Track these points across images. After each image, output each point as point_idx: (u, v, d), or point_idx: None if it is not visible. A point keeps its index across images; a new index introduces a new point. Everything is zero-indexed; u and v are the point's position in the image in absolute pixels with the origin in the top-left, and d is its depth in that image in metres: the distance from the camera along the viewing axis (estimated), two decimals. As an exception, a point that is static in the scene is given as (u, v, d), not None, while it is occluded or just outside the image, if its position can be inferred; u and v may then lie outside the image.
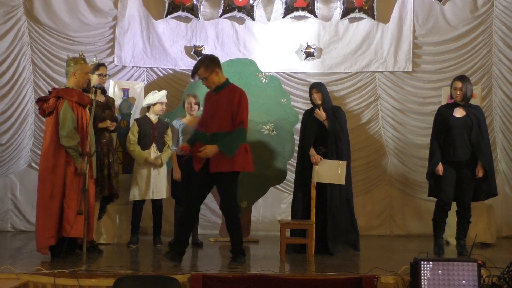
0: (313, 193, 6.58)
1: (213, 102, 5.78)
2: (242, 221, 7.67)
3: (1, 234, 8.11)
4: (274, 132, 7.70)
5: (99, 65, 6.75)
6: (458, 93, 6.53)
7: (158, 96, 7.28)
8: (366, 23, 8.47)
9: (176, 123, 7.25)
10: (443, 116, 6.57)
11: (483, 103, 8.12)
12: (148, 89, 8.00)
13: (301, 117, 7.14)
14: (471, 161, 6.48)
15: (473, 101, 7.57)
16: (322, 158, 6.59)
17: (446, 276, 4.86)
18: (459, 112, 6.55)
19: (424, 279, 4.87)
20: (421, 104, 8.35)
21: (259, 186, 7.69)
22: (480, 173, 6.47)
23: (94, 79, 6.57)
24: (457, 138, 6.46)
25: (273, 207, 8.46)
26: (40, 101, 6.11)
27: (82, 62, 6.11)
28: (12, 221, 8.45)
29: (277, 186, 8.08)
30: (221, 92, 5.77)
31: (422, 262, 4.89)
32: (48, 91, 6.30)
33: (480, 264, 4.90)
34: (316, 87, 6.78)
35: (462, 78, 6.60)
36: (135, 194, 7.21)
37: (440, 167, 6.48)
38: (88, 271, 5.18)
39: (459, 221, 6.58)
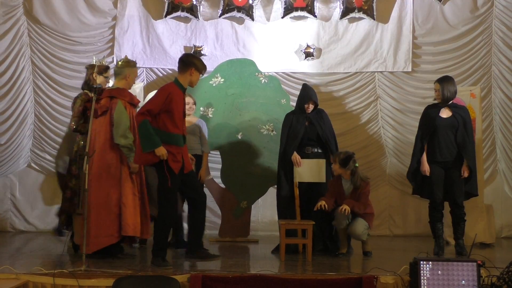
0: (296, 192, 6.69)
1: (184, 102, 5.82)
2: (242, 221, 7.73)
3: (0, 234, 8.11)
4: (274, 132, 7.69)
5: (107, 68, 6.74)
6: (436, 94, 6.59)
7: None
8: (365, 23, 8.48)
9: None
10: (429, 116, 6.59)
11: (483, 103, 8.12)
12: (147, 89, 8.01)
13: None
14: (457, 161, 6.51)
15: (472, 101, 7.61)
16: (300, 158, 6.71)
17: (445, 276, 4.86)
18: (445, 113, 6.57)
19: (424, 279, 4.87)
20: (421, 104, 8.31)
21: (258, 186, 7.70)
22: (465, 173, 6.49)
23: (100, 80, 6.55)
24: (443, 139, 6.49)
25: (272, 207, 8.37)
26: (89, 101, 6.09)
27: (135, 66, 6.21)
28: (12, 221, 8.45)
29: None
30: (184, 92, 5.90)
31: (421, 262, 4.89)
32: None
33: (480, 264, 4.90)
34: (315, 100, 6.82)
35: (441, 79, 6.62)
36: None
37: (427, 168, 6.51)
38: (88, 271, 5.18)
39: (455, 221, 6.59)
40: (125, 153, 5.89)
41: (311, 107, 6.80)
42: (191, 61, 5.80)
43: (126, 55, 6.59)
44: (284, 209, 6.82)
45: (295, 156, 6.73)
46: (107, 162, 5.91)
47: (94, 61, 6.57)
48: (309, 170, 6.71)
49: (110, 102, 5.97)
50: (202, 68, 5.81)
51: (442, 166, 6.52)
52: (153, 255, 5.66)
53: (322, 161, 6.71)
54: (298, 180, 6.71)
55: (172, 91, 5.67)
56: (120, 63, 6.16)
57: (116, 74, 6.19)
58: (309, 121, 6.79)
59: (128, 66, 6.11)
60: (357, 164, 6.52)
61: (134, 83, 6.37)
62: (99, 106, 5.98)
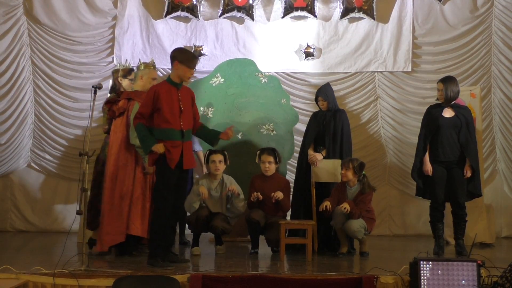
0: (313, 192, 6.74)
1: (179, 98, 5.70)
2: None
3: (0, 234, 8.11)
4: (274, 132, 7.70)
5: (131, 70, 6.76)
6: (439, 94, 6.61)
7: None
8: (365, 23, 8.48)
9: None
10: (432, 116, 6.61)
11: (482, 103, 8.12)
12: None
13: (301, 117, 7.21)
14: (460, 161, 6.52)
15: (472, 101, 7.62)
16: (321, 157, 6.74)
17: (445, 276, 4.86)
18: (448, 113, 6.58)
19: (424, 279, 4.87)
20: (421, 104, 8.34)
21: (258, 186, 7.69)
22: (468, 173, 6.50)
23: (125, 83, 6.57)
24: (446, 138, 6.51)
25: (272, 207, 8.44)
26: (109, 103, 6.26)
27: (152, 68, 6.34)
28: (12, 221, 8.44)
29: (277, 186, 8.08)
30: (183, 88, 5.78)
31: (421, 262, 4.89)
32: (115, 93, 6.38)
33: (480, 264, 4.91)
34: (323, 96, 6.87)
35: (444, 79, 6.64)
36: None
37: (429, 168, 6.52)
38: (88, 271, 5.18)
39: (456, 221, 6.61)
40: (140, 154, 6.01)
41: (322, 103, 6.85)
42: (173, 55, 5.72)
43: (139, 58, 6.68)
44: (298, 208, 6.85)
45: (311, 154, 6.77)
46: (122, 162, 6.04)
47: (117, 65, 6.66)
48: (325, 170, 6.76)
49: (127, 104, 6.12)
50: (185, 60, 5.64)
51: (444, 166, 6.53)
52: (150, 255, 5.62)
53: (337, 162, 6.72)
54: (314, 180, 6.76)
55: (158, 89, 5.63)
56: (137, 66, 6.37)
57: (134, 77, 6.38)
58: (325, 120, 6.83)
59: (142, 68, 6.29)
60: (364, 172, 6.57)
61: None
62: (117, 108, 6.14)
